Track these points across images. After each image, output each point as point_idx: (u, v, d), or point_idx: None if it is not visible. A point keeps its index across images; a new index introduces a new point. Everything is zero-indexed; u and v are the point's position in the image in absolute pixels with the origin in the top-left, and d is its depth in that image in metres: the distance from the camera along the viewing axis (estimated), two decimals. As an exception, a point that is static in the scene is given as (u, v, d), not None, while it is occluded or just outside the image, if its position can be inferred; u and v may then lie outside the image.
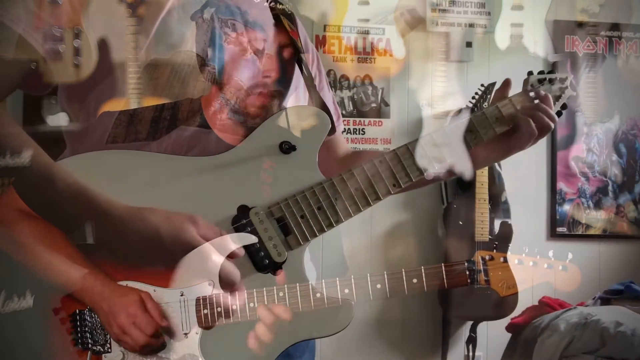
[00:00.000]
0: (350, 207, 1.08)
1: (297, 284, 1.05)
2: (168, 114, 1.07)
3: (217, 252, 0.98)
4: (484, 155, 1.21)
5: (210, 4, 1.14)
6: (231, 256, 1.00)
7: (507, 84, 1.22)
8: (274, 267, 1.05)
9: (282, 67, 1.22)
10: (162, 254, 0.96)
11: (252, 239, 1.03)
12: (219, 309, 1.00)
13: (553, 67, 3.39)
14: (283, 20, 1.26)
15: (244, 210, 1.05)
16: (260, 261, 1.04)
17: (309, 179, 1.08)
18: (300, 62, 1.23)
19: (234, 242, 1.01)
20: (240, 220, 1.04)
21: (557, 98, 1.23)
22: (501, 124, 1.17)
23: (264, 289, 1.04)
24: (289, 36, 1.24)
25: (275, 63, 1.20)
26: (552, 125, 1.16)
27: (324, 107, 1.22)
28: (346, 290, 1.07)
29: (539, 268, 1.18)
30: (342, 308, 1.07)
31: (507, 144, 1.19)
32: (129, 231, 0.95)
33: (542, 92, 1.18)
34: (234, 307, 1.00)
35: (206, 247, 0.97)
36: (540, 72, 1.24)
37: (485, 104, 3.05)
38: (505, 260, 1.14)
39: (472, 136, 1.16)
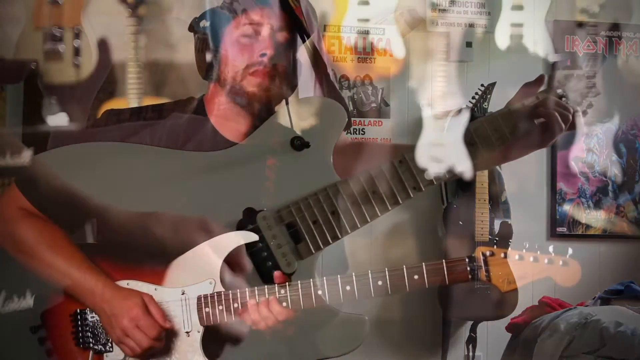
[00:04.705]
0: (367, 211, 0.98)
1: (299, 284, 0.98)
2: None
3: (219, 251, 0.91)
4: (504, 155, 1.14)
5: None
6: (240, 270, 0.93)
7: (539, 81, 1.15)
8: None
9: (286, 47, 1.12)
10: (167, 259, 0.92)
11: (253, 236, 0.93)
12: (220, 308, 0.96)
13: (553, 68, 3.39)
14: None
15: (250, 214, 0.95)
16: (267, 272, 0.95)
17: (322, 179, 0.97)
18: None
19: (237, 240, 0.93)
20: (247, 226, 0.95)
21: (583, 96, 1.15)
22: (527, 120, 1.09)
23: (266, 287, 0.96)
24: (294, 15, 1.13)
25: (276, 41, 1.11)
26: (570, 119, 1.09)
27: (338, 97, 1.12)
28: (347, 288, 1.00)
29: (540, 264, 1.18)
30: (354, 324, 1.02)
31: (531, 140, 1.12)
32: (131, 238, 0.91)
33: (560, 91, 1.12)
34: (236, 306, 0.94)
35: (206, 246, 0.91)
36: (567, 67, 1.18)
37: (486, 103, 3.05)
38: (506, 256, 1.12)
39: (497, 135, 1.07)
